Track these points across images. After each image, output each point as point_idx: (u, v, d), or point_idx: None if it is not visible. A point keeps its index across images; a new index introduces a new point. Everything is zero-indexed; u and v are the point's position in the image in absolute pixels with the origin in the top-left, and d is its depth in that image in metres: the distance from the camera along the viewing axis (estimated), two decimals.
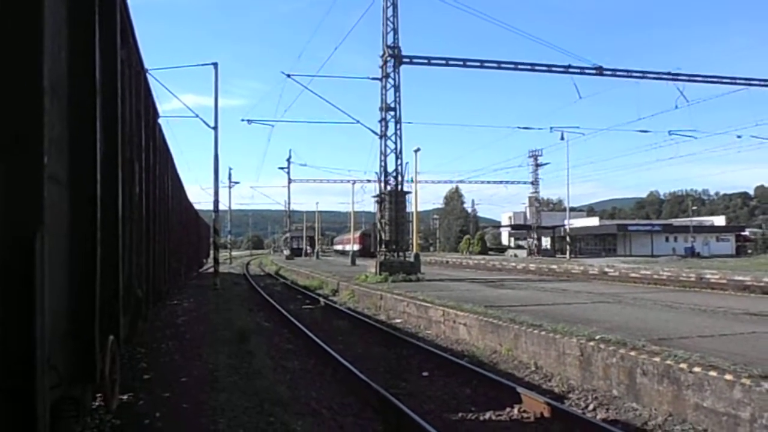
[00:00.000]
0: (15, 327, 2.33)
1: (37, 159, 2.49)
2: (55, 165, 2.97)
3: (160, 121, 11.05)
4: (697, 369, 6.46)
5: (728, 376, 6.08)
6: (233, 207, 75.97)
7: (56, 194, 3.04)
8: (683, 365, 6.64)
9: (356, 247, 64.97)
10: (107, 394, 4.38)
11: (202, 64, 26.61)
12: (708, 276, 26.81)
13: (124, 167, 5.15)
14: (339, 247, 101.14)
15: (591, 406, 7.22)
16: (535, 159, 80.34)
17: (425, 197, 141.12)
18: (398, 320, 15.02)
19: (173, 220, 13.51)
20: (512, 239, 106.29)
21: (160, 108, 11.30)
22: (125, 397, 6.90)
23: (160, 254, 9.63)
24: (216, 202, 27.11)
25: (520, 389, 7.37)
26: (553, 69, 27.46)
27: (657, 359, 7.01)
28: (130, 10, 5.95)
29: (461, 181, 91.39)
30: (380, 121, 24.87)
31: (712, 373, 6.25)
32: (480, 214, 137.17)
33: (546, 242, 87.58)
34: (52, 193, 2.79)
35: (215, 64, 25.92)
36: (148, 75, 8.83)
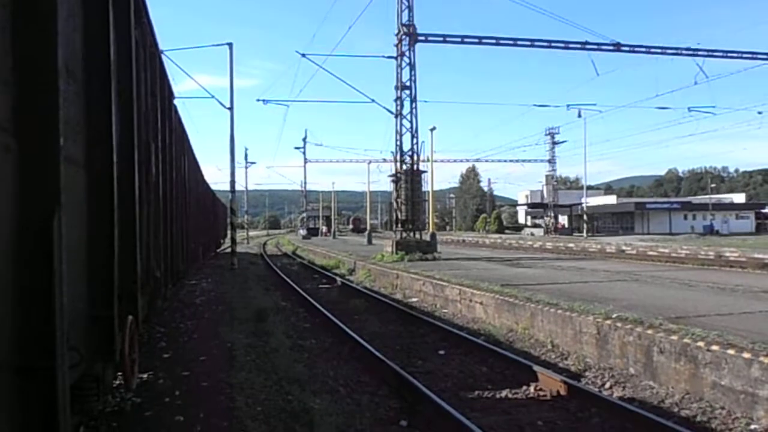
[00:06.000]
0: (35, 308, 2.36)
1: (53, 140, 2.50)
2: (71, 146, 2.99)
3: (176, 102, 11.09)
4: (714, 347, 6.42)
5: (746, 354, 6.04)
6: (250, 187, 76.20)
7: (73, 175, 3.06)
8: (701, 343, 6.61)
9: (350, 227, 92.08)
10: (127, 373, 4.45)
11: (217, 45, 26.66)
12: (727, 254, 26.56)
13: (140, 148, 5.18)
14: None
15: (607, 385, 7.23)
16: (552, 137, 79.60)
17: (441, 176, 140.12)
18: (414, 299, 15.07)
19: (190, 201, 13.60)
20: (529, 218, 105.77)
21: (176, 89, 11.33)
22: (145, 375, 7.00)
23: (177, 235, 9.71)
24: (232, 182, 27.21)
25: (536, 367, 7.38)
26: (570, 45, 27.14)
27: (674, 337, 6.98)
28: None
29: (477, 160, 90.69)
30: (396, 100, 24.74)
31: (730, 352, 6.22)
32: (496, 192, 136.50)
33: (563, 221, 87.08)
34: (69, 175, 2.81)
35: (230, 45, 25.94)
36: (162, 56, 8.84)
